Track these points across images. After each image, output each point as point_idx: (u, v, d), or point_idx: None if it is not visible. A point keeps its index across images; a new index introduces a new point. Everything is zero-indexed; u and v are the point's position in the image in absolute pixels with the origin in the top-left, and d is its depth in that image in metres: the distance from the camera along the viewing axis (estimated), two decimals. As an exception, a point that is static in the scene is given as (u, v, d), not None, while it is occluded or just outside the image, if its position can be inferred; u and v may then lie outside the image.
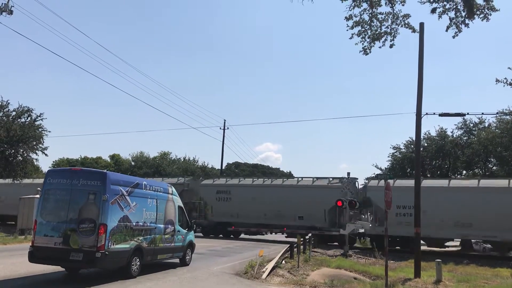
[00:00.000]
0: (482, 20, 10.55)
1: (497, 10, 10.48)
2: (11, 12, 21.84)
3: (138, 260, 12.89)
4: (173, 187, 15.77)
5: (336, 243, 28.55)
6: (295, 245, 18.84)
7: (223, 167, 55.13)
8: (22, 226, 27.78)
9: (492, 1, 10.45)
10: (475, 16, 10.50)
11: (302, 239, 20.01)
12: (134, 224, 12.75)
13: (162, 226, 14.36)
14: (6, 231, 27.54)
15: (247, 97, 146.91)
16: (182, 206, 16.22)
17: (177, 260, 15.95)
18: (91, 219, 11.60)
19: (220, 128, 48.85)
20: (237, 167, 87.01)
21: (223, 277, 14.12)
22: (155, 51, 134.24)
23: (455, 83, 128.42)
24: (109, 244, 11.63)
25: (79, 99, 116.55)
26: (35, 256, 11.84)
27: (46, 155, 33.48)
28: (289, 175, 70.40)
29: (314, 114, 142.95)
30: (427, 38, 16.50)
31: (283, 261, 17.55)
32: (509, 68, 19.65)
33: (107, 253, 11.50)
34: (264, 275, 14.13)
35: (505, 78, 18.54)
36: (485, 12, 10.46)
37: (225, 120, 52.78)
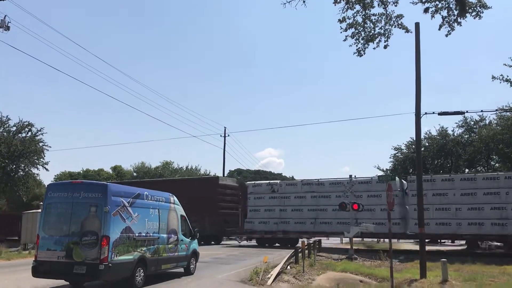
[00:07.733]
0: (474, 18, 10.60)
1: (489, 8, 10.50)
2: (8, 28, 21.99)
3: (142, 271, 12.84)
4: (174, 196, 15.74)
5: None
6: (299, 249, 18.76)
7: (225, 175, 55.08)
8: (26, 241, 27.81)
9: (484, -2, 10.48)
10: (467, 14, 10.54)
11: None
12: (136, 235, 12.73)
13: (165, 236, 14.33)
14: (10, 246, 27.54)
15: (247, 103, 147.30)
16: (185, 215, 16.19)
17: (181, 270, 15.88)
18: (93, 231, 11.59)
19: (221, 136, 48.97)
20: (239, 174, 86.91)
21: (228, 284, 14.08)
22: (153, 60, 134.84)
23: (453, 81, 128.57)
24: (112, 256, 11.60)
25: (79, 112, 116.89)
26: (38, 270, 11.83)
27: (47, 169, 33.64)
28: (292, 180, 70.31)
29: (315, 118, 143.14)
30: (423, 37, 16.52)
31: (288, 267, 17.47)
32: (504, 64, 19.70)
33: (110, 265, 11.46)
34: (270, 281, 14.07)
35: (501, 75, 18.60)
36: (477, 10, 10.49)
37: (225, 127, 52.90)
